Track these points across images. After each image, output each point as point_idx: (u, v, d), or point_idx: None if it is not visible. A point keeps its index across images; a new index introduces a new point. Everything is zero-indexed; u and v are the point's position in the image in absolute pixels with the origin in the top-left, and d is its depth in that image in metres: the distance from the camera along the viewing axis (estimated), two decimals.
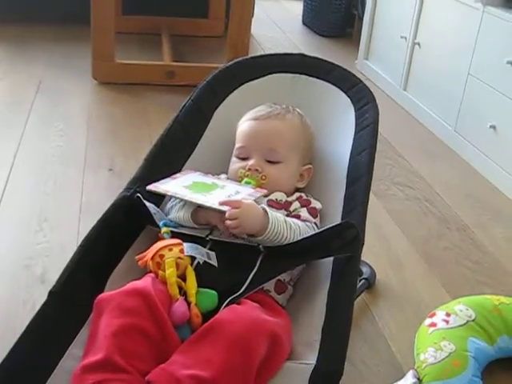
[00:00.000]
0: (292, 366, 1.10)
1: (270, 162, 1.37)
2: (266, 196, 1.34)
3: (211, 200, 1.23)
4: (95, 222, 1.27)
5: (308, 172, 1.44)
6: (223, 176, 1.40)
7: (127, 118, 2.70)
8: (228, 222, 1.18)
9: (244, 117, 1.44)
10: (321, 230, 1.23)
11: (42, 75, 3.08)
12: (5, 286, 1.60)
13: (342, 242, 1.18)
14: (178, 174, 1.37)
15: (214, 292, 1.14)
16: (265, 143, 1.37)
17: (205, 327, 1.06)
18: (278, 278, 1.24)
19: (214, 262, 1.18)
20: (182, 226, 1.28)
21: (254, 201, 1.25)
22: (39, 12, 3.85)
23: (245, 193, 1.28)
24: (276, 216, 1.22)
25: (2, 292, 1.58)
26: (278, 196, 1.35)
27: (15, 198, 2.00)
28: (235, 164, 1.39)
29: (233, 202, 1.20)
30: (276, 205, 1.33)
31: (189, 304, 1.12)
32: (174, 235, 1.24)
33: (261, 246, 1.20)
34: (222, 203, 1.20)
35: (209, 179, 1.34)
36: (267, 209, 1.22)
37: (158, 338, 1.06)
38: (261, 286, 1.19)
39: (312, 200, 1.38)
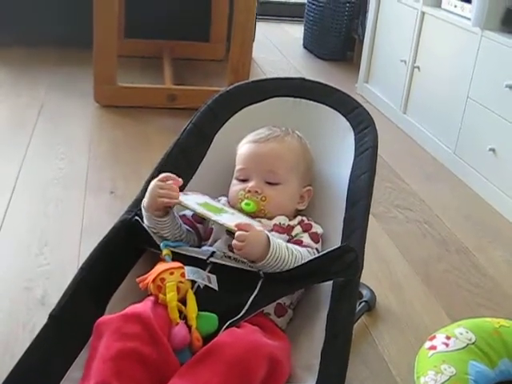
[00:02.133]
0: None
1: (269, 183, 1.38)
2: (269, 219, 1.35)
3: (223, 219, 1.25)
4: (96, 244, 1.28)
5: (308, 193, 1.45)
6: (223, 199, 1.41)
7: (129, 141, 2.72)
8: (234, 242, 1.19)
9: (244, 139, 1.46)
10: (320, 254, 1.24)
11: (43, 98, 3.11)
12: (5, 308, 1.60)
13: (342, 265, 1.18)
14: (188, 192, 1.38)
15: (214, 315, 1.15)
16: (264, 165, 1.38)
17: (203, 350, 1.07)
18: (278, 301, 1.24)
19: (215, 286, 1.18)
20: (179, 246, 1.29)
21: None
22: (41, 35, 3.88)
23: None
24: (278, 242, 1.22)
25: (2, 314, 1.58)
26: (281, 220, 1.36)
27: (16, 220, 2.01)
28: (235, 186, 1.40)
29: (245, 225, 1.21)
30: (280, 229, 1.34)
31: (189, 328, 1.12)
32: (174, 257, 1.25)
33: (261, 272, 1.21)
34: (236, 225, 1.21)
35: (219, 204, 1.36)
36: (270, 236, 1.22)
37: (158, 363, 1.06)
38: (260, 310, 1.19)
39: (313, 224, 1.38)
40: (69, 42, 3.82)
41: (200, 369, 1.04)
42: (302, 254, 1.26)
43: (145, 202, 1.29)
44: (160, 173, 1.41)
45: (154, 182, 1.28)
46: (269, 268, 1.21)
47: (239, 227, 1.20)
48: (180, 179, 1.30)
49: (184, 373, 1.04)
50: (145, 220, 1.30)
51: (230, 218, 1.27)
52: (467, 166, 2.60)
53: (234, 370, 1.02)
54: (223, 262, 1.24)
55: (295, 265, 1.22)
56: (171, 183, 1.28)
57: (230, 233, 1.24)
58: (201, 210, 1.27)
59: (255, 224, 1.26)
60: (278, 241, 1.23)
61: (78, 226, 1.99)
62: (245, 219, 1.30)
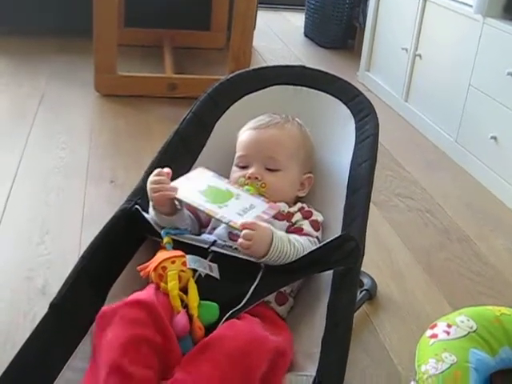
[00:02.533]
0: (292, 377, 1.11)
1: (269, 170, 1.38)
2: None
3: (227, 214, 1.22)
4: (97, 233, 1.28)
5: (308, 181, 1.45)
6: None
7: (129, 130, 2.71)
8: (240, 241, 1.18)
9: (244, 127, 1.46)
10: (320, 244, 1.23)
11: (44, 88, 3.10)
12: (6, 297, 1.60)
13: (342, 254, 1.18)
14: (191, 173, 1.36)
15: (215, 304, 1.14)
16: (264, 151, 1.38)
17: (204, 342, 1.06)
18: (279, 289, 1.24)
19: (216, 275, 1.18)
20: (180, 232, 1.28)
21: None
22: (42, 25, 3.87)
23: (260, 209, 1.27)
24: (280, 237, 1.21)
25: (3, 304, 1.58)
26: (281, 207, 1.35)
27: (17, 209, 2.01)
28: (236, 173, 1.40)
29: (251, 224, 1.19)
30: (279, 216, 1.33)
31: (191, 317, 1.12)
32: (175, 245, 1.24)
33: (262, 264, 1.20)
34: (242, 224, 1.19)
35: (223, 184, 1.33)
36: (274, 231, 1.20)
37: (163, 349, 1.06)
38: (261, 300, 1.19)
39: (314, 212, 1.38)
40: (69, 32, 3.80)
41: (201, 361, 1.03)
42: (304, 245, 1.25)
43: (150, 198, 1.28)
44: (160, 161, 1.42)
45: (148, 179, 1.28)
46: (271, 262, 1.20)
47: (245, 226, 1.18)
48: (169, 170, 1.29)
49: (185, 365, 1.04)
50: (154, 217, 1.29)
51: (235, 208, 1.25)
52: (469, 154, 2.59)
53: (235, 364, 1.02)
54: (224, 252, 1.23)
55: (297, 257, 1.21)
56: (164, 178, 1.27)
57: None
58: (204, 207, 1.24)
59: (259, 216, 1.25)
60: (279, 234, 1.22)
61: (78, 215, 1.99)
62: (251, 200, 1.28)
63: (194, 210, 1.35)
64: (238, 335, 1.06)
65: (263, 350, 1.06)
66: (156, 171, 1.28)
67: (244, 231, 1.17)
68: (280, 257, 1.19)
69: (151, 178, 1.27)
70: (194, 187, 1.30)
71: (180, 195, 1.26)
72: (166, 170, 1.29)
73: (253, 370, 1.03)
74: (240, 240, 1.18)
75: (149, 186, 1.27)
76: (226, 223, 1.22)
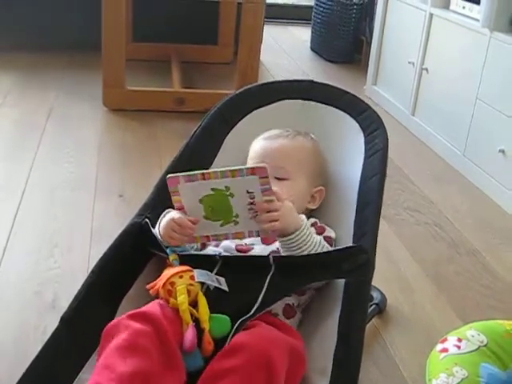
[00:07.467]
0: None
1: (278, 179, 1.38)
2: None
3: (246, 224, 1.22)
4: (106, 248, 1.29)
5: (320, 193, 1.45)
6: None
7: (137, 144, 2.72)
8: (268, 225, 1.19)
9: (257, 138, 1.47)
10: (334, 248, 1.24)
11: (53, 102, 3.12)
12: (16, 312, 1.61)
13: (353, 264, 1.18)
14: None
15: (226, 318, 1.14)
16: (272, 160, 1.38)
17: (225, 349, 1.07)
18: (287, 302, 1.24)
19: (225, 287, 1.18)
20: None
21: None
22: (50, 40, 3.90)
23: (257, 189, 1.22)
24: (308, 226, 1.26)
25: (13, 318, 1.58)
26: None
27: (26, 223, 2.01)
28: None
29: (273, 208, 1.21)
30: None
31: (202, 330, 1.12)
32: (182, 261, 1.24)
33: (271, 257, 1.20)
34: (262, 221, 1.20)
35: (207, 188, 1.23)
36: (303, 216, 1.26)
37: (161, 363, 1.06)
38: (271, 307, 1.19)
39: (326, 228, 1.38)
40: (78, 46, 3.83)
41: (225, 362, 1.05)
42: (322, 245, 1.27)
43: (159, 232, 1.27)
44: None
45: (168, 220, 1.24)
46: (294, 246, 1.22)
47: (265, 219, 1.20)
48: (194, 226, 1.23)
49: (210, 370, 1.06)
50: (158, 238, 1.28)
51: (243, 207, 1.21)
52: (477, 168, 2.59)
53: (257, 361, 1.04)
54: (234, 255, 1.25)
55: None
56: (186, 225, 1.23)
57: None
58: (229, 236, 1.24)
59: (253, 184, 1.23)
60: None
61: (87, 229, 2.00)
62: (242, 184, 1.23)
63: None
64: (257, 338, 1.08)
65: (282, 348, 1.08)
66: (180, 221, 1.22)
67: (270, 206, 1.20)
68: (304, 243, 1.22)
69: (172, 223, 1.23)
70: (198, 212, 1.24)
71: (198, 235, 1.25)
72: (191, 224, 1.23)
73: (276, 370, 1.05)
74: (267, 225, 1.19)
75: (168, 230, 1.24)
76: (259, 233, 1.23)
